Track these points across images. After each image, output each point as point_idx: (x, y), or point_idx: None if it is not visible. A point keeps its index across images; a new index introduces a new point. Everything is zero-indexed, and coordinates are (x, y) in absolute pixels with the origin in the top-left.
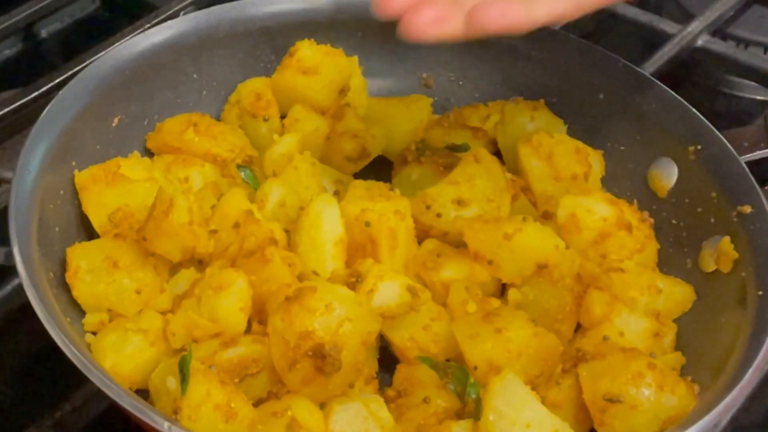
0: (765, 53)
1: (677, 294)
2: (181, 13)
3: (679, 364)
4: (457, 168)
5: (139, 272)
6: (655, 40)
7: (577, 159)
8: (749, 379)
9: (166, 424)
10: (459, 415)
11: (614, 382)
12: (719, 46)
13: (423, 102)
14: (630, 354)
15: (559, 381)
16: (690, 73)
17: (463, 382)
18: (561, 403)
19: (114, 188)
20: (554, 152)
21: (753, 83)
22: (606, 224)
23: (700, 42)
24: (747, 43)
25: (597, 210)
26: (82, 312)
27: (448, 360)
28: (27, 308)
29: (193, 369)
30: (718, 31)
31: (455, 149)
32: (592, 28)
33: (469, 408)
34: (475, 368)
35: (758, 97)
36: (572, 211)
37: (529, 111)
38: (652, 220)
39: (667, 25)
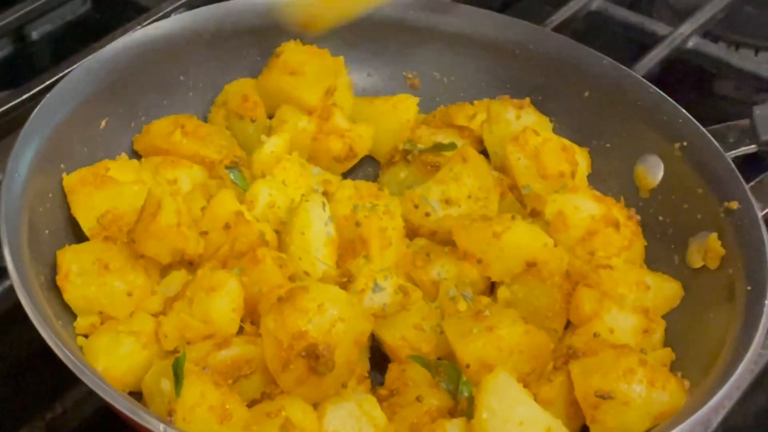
0: (755, 55)
1: (665, 290)
2: (172, 15)
3: (669, 360)
4: (444, 167)
5: (129, 275)
6: (646, 41)
7: (564, 157)
8: (740, 374)
9: (161, 426)
10: (452, 414)
11: (605, 378)
12: (710, 47)
13: (409, 102)
14: (621, 350)
15: (550, 378)
16: (681, 75)
17: (455, 381)
18: (552, 400)
19: (102, 191)
20: (541, 150)
21: (744, 85)
22: (593, 222)
23: (690, 44)
24: (737, 45)
25: (584, 207)
26: (73, 315)
27: (439, 359)
28: (18, 311)
29: (186, 371)
30: (709, 32)
31: (442, 148)
32: (583, 30)
33: (462, 406)
34: (468, 366)
35: (749, 99)
36: (560, 209)
37: (515, 109)
38: (638, 217)
39: (658, 27)
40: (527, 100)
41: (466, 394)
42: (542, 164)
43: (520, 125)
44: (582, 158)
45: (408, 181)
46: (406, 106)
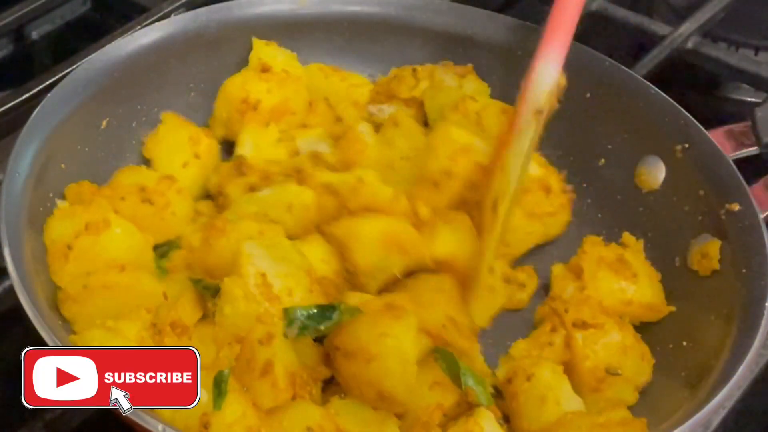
0: (756, 55)
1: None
2: (172, 15)
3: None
4: (379, 134)
5: None
6: (646, 41)
7: (505, 119)
8: (740, 375)
9: (159, 426)
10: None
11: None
12: (710, 48)
13: (364, 89)
14: None
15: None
16: (681, 75)
17: (455, 370)
18: None
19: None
20: (482, 116)
21: (744, 85)
22: (528, 181)
23: (690, 44)
24: (738, 45)
25: None
26: None
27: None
28: (17, 310)
29: (230, 387)
30: (709, 32)
31: None
32: (582, 31)
33: (470, 398)
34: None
35: (749, 99)
36: None
37: (458, 77)
38: (573, 195)
39: (657, 27)
40: (470, 66)
41: (470, 383)
42: (485, 130)
43: (461, 93)
44: None
45: None
46: (361, 92)
